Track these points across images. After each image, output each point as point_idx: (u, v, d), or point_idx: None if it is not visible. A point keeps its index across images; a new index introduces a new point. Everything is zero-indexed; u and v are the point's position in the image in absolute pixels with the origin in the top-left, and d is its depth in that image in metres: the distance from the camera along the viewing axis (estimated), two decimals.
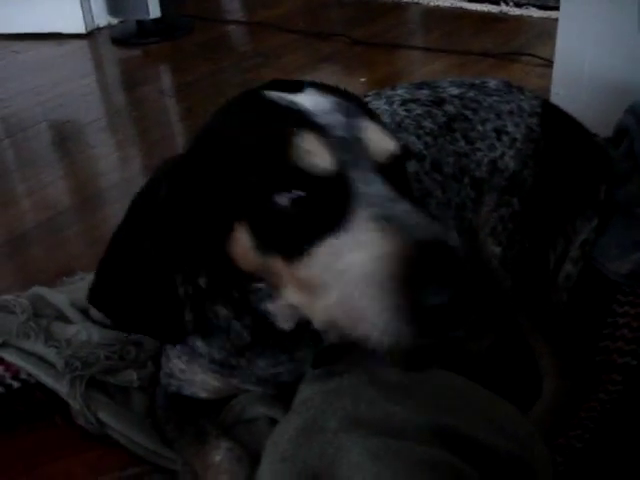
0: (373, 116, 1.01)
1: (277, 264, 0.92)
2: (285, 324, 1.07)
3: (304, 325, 1.00)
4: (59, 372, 1.38)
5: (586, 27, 2.16)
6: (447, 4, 3.87)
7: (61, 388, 1.37)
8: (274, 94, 0.98)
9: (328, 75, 3.15)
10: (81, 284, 1.70)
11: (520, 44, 3.24)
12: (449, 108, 1.51)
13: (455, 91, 1.55)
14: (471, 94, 1.55)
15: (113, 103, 3.14)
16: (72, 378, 1.36)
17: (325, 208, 0.88)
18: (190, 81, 3.17)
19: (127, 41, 3.67)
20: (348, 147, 0.91)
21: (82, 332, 1.45)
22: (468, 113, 1.51)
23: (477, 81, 1.60)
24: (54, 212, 2.21)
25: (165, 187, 1.02)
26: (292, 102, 0.96)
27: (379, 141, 0.94)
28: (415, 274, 0.77)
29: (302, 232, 0.88)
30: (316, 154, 0.89)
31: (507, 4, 3.72)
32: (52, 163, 2.55)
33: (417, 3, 3.95)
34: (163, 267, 1.03)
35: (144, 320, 1.09)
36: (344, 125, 0.93)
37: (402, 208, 0.85)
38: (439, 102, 1.52)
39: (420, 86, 1.58)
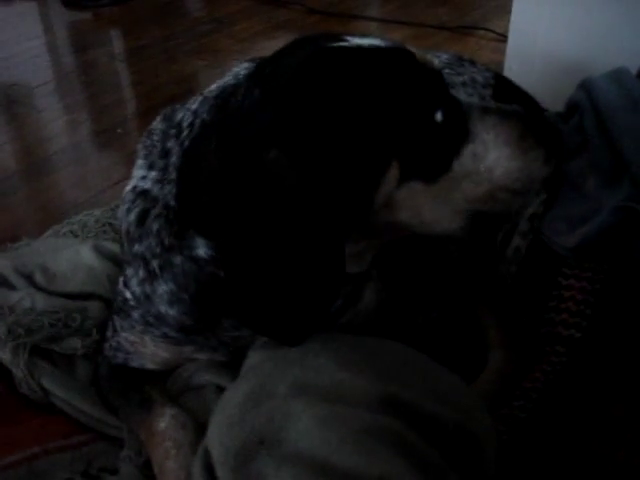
0: None
1: (409, 191, 0.98)
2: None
3: None
4: (1, 339, 1.35)
5: (541, 3, 2.17)
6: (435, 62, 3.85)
7: (3, 355, 1.35)
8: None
9: (282, 43, 3.10)
10: (26, 249, 1.67)
11: (475, 18, 3.25)
12: None
13: None
14: None
15: (62, 66, 3.06)
16: (15, 345, 1.34)
17: (457, 117, 1.00)
18: (142, 45, 3.11)
19: (78, 3, 3.58)
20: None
21: (26, 299, 1.43)
22: None
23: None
24: None
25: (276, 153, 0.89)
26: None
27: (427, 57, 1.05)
28: (539, 130, 1.05)
29: (446, 148, 0.99)
30: (434, 61, 1.03)
31: None
32: None
33: None
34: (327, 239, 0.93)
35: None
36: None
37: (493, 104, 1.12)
38: None
39: None
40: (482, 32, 3.06)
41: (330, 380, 0.98)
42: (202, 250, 1.06)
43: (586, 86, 1.75)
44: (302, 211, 0.90)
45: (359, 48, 0.97)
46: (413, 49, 1.02)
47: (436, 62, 1.05)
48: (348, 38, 0.99)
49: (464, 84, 1.51)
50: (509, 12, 2.35)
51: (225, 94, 1.07)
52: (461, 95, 1.41)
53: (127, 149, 2.23)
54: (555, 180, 1.57)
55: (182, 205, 1.08)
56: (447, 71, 1.52)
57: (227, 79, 1.12)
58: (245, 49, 3.04)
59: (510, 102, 1.53)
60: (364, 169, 0.94)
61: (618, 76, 1.75)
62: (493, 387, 1.34)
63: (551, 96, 1.79)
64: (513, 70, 2.27)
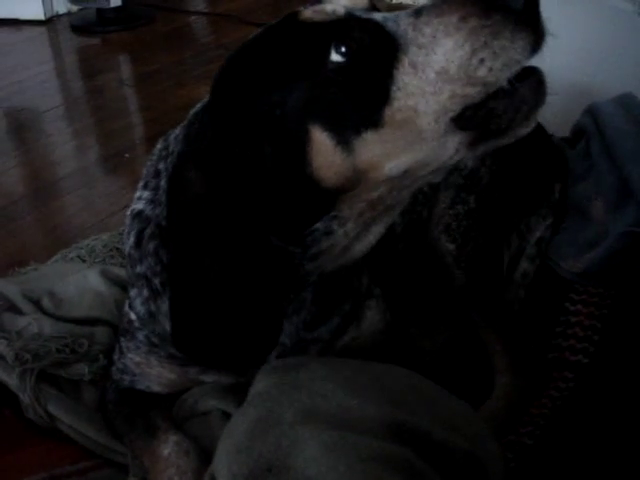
0: None
1: (367, 147, 0.88)
2: (330, 265, 1.06)
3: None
4: (9, 365, 1.35)
5: (545, 28, 2.18)
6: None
7: (11, 381, 1.35)
8: None
9: None
10: (33, 274, 1.68)
11: None
12: None
13: None
14: None
15: (71, 91, 3.09)
16: (22, 371, 1.34)
17: (370, 45, 0.87)
18: (150, 71, 3.14)
19: (87, 29, 3.63)
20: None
21: (33, 324, 1.43)
22: None
23: None
24: (8, 201, 2.17)
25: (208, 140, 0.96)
26: None
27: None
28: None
29: (372, 80, 0.87)
30: (323, 8, 0.91)
31: None
32: (7, 151, 2.51)
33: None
34: (257, 237, 0.94)
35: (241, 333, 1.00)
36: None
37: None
38: None
39: None
40: None
41: (338, 406, 0.97)
42: None
43: (592, 111, 1.76)
44: (219, 215, 0.93)
45: (253, 39, 0.97)
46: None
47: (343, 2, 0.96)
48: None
49: None
50: None
51: (190, 123, 1.09)
52: None
53: (135, 174, 2.23)
54: (561, 205, 1.57)
55: (170, 225, 1.09)
56: None
57: (198, 105, 1.13)
58: None
59: None
60: (279, 155, 0.92)
61: (624, 101, 1.76)
62: (500, 413, 1.33)
63: (557, 121, 1.80)
64: None
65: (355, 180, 0.92)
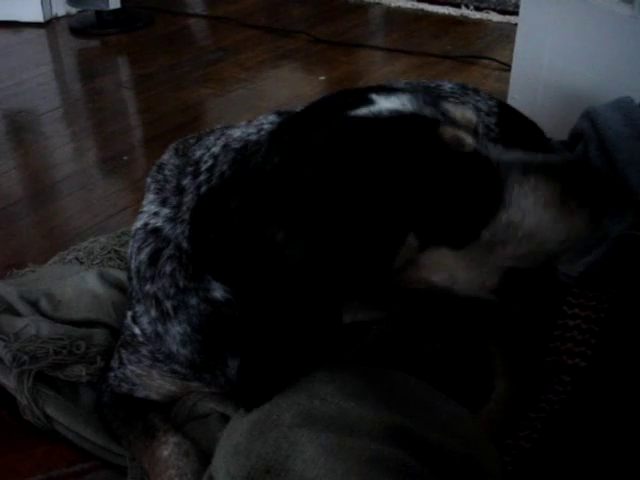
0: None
1: (437, 255, 0.95)
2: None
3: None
4: (6, 366, 1.36)
5: (544, 32, 2.19)
6: (408, 5, 3.89)
7: (8, 382, 1.35)
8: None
9: (288, 72, 3.15)
10: (31, 276, 1.68)
11: (479, 47, 3.28)
12: None
13: None
14: None
15: (70, 93, 3.09)
16: (20, 373, 1.34)
17: (482, 186, 0.94)
18: (148, 74, 3.14)
19: (86, 31, 3.63)
20: (459, 126, 0.96)
21: (31, 326, 1.43)
22: None
23: (432, 84, 1.61)
24: (6, 203, 2.16)
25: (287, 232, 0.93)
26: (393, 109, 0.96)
27: (466, 115, 1.00)
28: (583, 190, 0.95)
29: (472, 217, 0.94)
30: (464, 139, 0.94)
31: (468, 7, 3.76)
32: (5, 153, 2.50)
33: (379, 3, 3.97)
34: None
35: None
36: (436, 110, 0.97)
37: (523, 156, 0.98)
38: None
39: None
40: (486, 61, 3.09)
41: (336, 409, 0.97)
42: (218, 293, 1.07)
43: (590, 115, 1.76)
44: (303, 289, 0.94)
45: (377, 121, 0.95)
46: (445, 106, 0.98)
47: (469, 115, 1.00)
48: (373, 97, 0.97)
49: None
50: (513, 42, 2.38)
51: (247, 151, 1.07)
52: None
53: (133, 176, 2.24)
54: None
55: (196, 250, 1.09)
56: (451, 100, 1.54)
57: (250, 131, 1.11)
58: (250, 77, 3.07)
59: (514, 130, 1.55)
60: (374, 249, 0.94)
61: (622, 105, 1.76)
62: (498, 416, 1.33)
63: (554, 125, 1.80)
64: (517, 99, 2.28)
65: (409, 273, 0.97)
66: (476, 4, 3.76)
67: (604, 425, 1.29)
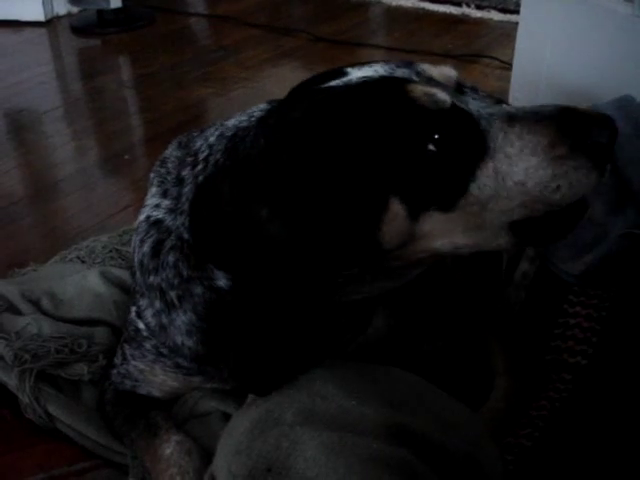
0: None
1: (431, 222, 0.94)
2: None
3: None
4: (8, 365, 1.36)
5: (545, 31, 2.19)
6: (409, 4, 3.89)
7: (10, 381, 1.35)
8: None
9: (289, 71, 3.15)
10: (33, 275, 1.68)
11: (480, 46, 3.28)
12: None
13: None
14: None
15: (71, 92, 3.09)
16: (21, 371, 1.34)
17: (463, 140, 0.92)
18: (150, 73, 3.14)
19: (87, 30, 3.62)
20: (435, 83, 0.96)
21: (32, 324, 1.43)
22: None
23: None
24: (7, 202, 2.16)
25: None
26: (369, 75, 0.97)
27: (443, 72, 1.00)
28: (576, 133, 0.91)
29: (456, 173, 0.92)
30: (435, 93, 0.92)
31: (469, 6, 3.76)
32: (7, 152, 2.50)
33: (379, 2, 3.97)
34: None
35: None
36: (410, 71, 0.98)
37: (508, 108, 0.96)
38: None
39: None
40: (487, 60, 3.09)
41: (337, 408, 0.97)
42: (222, 281, 1.07)
43: None
44: (290, 265, 0.94)
45: (345, 88, 0.96)
46: (420, 66, 0.99)
47: (447, 72, 1.00)
48: (347, 70, 0.99)
49: None
50: (514, 40, 2.38)
51: (237, 137, 1.09)
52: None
53: (135, 175, 2.24)
54: None
55: (197, 240, 1.09)
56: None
57: (242, 119, 1.13)
58: (251, 77, 3.07)
59: None
60: (355, 216, 0.94)
61: (623, 104, 1.76)
62: (499, 414, 1.33)
63: None
64: (518, 98, 2.29)
65: (409, 247, 0.97)
66: (477, 3, 3.75)
67: (605, 423, 1.29)
